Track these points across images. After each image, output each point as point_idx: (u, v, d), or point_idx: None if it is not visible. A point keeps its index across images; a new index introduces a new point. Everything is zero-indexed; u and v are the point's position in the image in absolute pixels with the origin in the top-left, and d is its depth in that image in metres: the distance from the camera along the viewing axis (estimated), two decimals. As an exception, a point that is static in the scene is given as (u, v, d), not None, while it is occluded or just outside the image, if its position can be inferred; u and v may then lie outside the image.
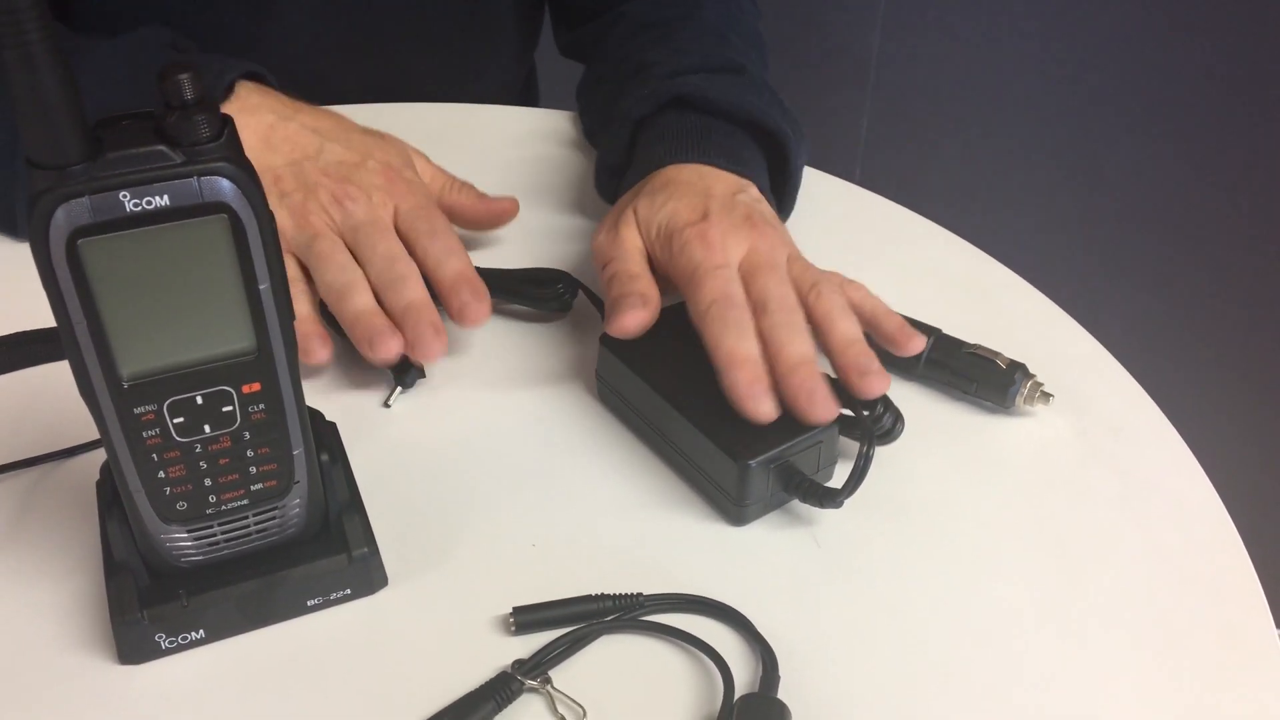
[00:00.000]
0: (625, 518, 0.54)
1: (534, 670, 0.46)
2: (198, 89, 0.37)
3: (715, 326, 0.54)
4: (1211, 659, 0.49)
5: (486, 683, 0.45)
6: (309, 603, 0.48)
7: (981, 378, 0.60)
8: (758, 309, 0.55)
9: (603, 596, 0.49)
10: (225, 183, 0.38)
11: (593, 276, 0.66)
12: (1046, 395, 0.59)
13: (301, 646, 0.48)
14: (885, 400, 0.55)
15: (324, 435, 0.49)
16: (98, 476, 0.48)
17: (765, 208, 0.63)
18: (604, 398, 0.60)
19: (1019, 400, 0.59)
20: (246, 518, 0.46)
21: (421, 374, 0.60)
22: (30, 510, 0.53)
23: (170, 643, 0.47)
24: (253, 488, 0.46)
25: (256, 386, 0.43)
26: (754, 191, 0.64)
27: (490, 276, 0.62)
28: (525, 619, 0.48)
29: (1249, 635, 0.50)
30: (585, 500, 0.55)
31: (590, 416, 0.60)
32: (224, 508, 0.46)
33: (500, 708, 0.45)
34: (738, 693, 0.46)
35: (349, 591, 0.49)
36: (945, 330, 0.62)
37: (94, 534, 0.50)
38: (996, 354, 0.60)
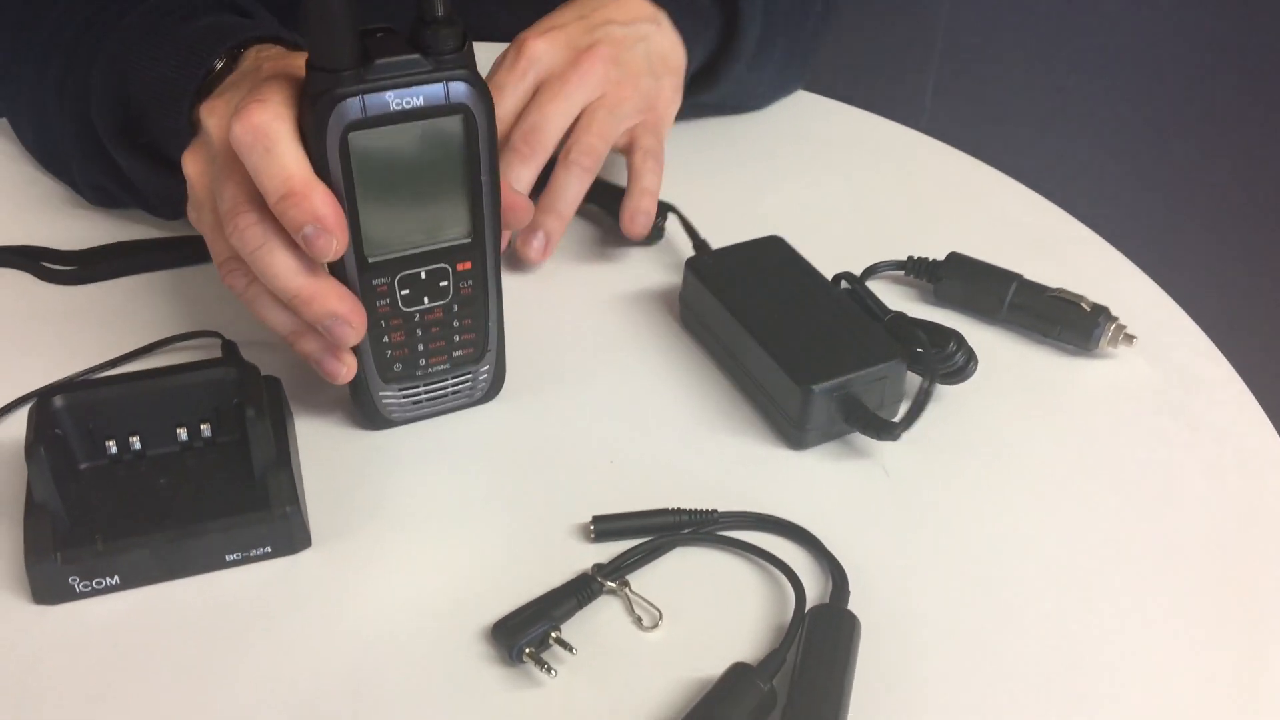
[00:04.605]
0: (697, 438, 0.57)
1: (613, 574, 0.48)
2: (447, 7, 0.46)
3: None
4: (1271, 604, 0.50)
5: (568, 581, 0.48)
6: (228, 557, 0.49)
7: (1065, 320, 0.62)
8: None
9: (679, 510, 0.52)
10: (465, 86, 0.47)
11: (687, 202, 0.69)
12: (1130, 337, 0.62)
13: (218, 600, 0.49)
14: (959, 338, 0.57)
15: (256, 391, 0.50)
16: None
17: (663, 55, 0.69)
18: (686, 321, 0.63)
19: (1103, 342, 0.62)
20: (445, 380, 0.55)
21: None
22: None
23: (84, 586, 0.48)
24: (454, 354, 0.54)
25: (468, 265, 0.52)
26: (658, 30, 0.69)
27: (599, 189, 0.68)
28: (604, 527, 0.51)
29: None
30: (660, 420, 0.58)
31: (671, 340, 0.63)
32: (430, 370, 0.54)
33: (581, 605, 0.48)
34: (809, 605, 0.47)
35: (269, 549, 0.50)
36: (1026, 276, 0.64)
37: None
38: (1080, 297, 0.62)
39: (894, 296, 0.66)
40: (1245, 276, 1.43)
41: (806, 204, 0.73)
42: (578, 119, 0.65)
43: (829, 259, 0.64)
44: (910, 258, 0.66)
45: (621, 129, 0.67)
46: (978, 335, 0.63)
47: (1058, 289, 0.62)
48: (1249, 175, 1.37)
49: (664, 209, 0.68)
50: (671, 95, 0.70)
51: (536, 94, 0.65)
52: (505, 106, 0.65)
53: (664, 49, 0.69)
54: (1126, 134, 1.42)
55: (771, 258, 0.62)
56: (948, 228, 0.67)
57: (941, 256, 0.65)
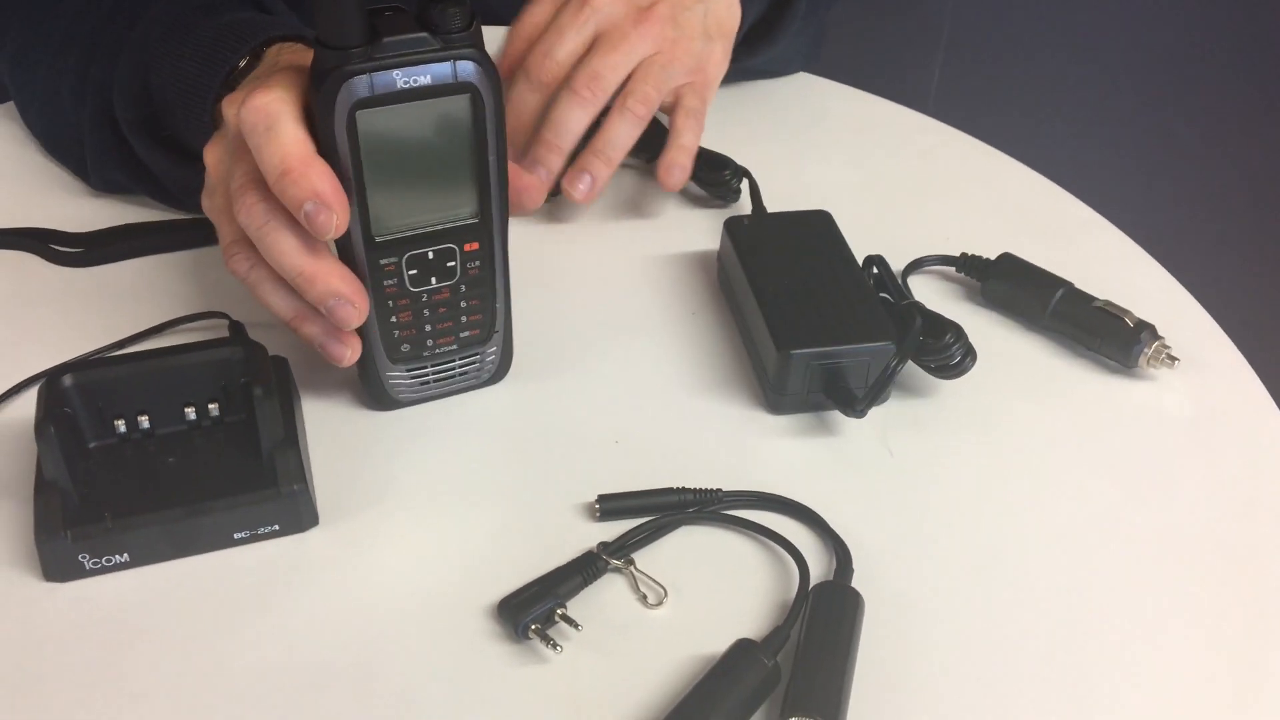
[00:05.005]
0: (705, 414, 0.58)
1: (618, 552, 0.48)
2: None
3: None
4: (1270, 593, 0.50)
5: (574, 559, 0.48)
6: (236, 535, 0.50)
7: (1107, 333, 0.60)
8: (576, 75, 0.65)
9: (683, 489, 0.52)
10: (473, 66, 0.47)
11: (760, 167, 0.71)
12: (1172, 359, 0.59)
13: (226, 578, 0.49)
14: (958, 332, 0.57)
15: (263, 370, 0.51)
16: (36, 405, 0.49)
17: (719, 19, 0.70)
18: (721, 283, 0.65)
19: (1143, 361, 0.60)
20: (453, 361, 0.55)
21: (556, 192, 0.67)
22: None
23: (94, 563, 0.48)
24: (461, 335, 0.55)
25: (475, 246, 0.52)
26: None
27: (653, 135, 0.69)
28: (609, 506, 0.52)
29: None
30: (668, 396, 0.59)
31: (707, 301, 0.64)
32: (437, 351, 0.54)
33: (587, 583, 0.48)
34: (812, 582, 0.47)
35: (277, 528, 0.50)
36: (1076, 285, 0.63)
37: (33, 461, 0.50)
38: (1125, 311, 0.60)
39: (940, 291, 0.66)
40: (1255, 275, 1.42)
41: (864, 188, 0.73)
42: (633, 72, 0.67)
43: (877, 244, 0.64)
44: (964, 254, 0.65)
45: (671, 86, 0.69)
46: (1015, 339, 0.62)
47: (1105, 301, 0.61)
48: (1258, 166, 1.36)
49: (740, 172, 0.70)
50: (721, 59, 0.72)
51: (596, 43, 0.67)
52: (565, 49, 0.67)
53: (720, 13, 0.71)
54: (1133, 128, 1.42)
55: (810, 230, 0.62)
56: (1007, 231, 0.66)
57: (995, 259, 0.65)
